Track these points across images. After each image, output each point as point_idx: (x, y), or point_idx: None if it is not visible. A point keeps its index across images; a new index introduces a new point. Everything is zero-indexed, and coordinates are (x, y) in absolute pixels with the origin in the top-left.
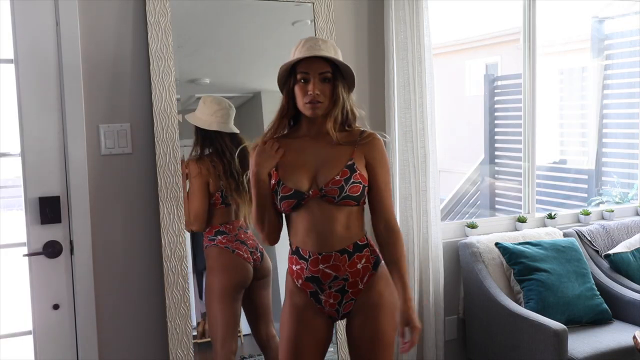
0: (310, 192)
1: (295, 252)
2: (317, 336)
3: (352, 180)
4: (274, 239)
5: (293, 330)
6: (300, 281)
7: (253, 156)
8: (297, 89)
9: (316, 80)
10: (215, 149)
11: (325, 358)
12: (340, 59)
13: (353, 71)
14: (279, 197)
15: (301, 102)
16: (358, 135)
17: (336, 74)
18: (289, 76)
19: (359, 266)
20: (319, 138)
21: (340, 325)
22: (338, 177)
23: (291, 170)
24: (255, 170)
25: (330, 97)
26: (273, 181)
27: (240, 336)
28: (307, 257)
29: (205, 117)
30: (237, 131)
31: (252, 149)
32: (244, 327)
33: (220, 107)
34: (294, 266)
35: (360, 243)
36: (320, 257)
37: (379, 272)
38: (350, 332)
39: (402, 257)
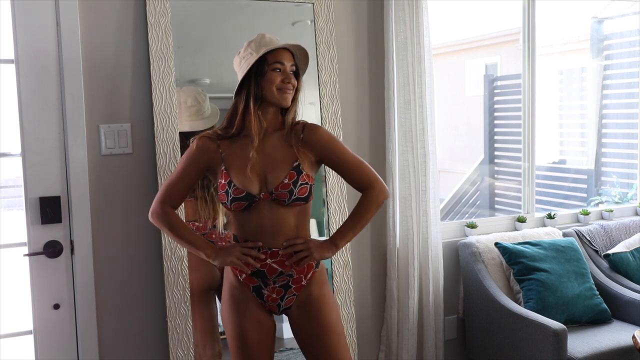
0: (262, 196)
1: None
2: (262, 327)
3: (299, 182)
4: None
5: (237, 325)
6: (243, 275)
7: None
8: (270, 77)
9: (288, 72)
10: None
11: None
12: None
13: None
14: (229, 198)
15: (273, 90)
16: (300, 131)
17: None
18: (252, 68)
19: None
20: (264, 138)
21: None
22: (287, 181)
23: (241, 171)
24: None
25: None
26: (223, 181)
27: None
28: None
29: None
30: (199, 129)
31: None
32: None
33: (194, 102)
34: None
35: None
36: (269, 252)
37: (320, 269)
38: (296, 328)
39: (364, 209)
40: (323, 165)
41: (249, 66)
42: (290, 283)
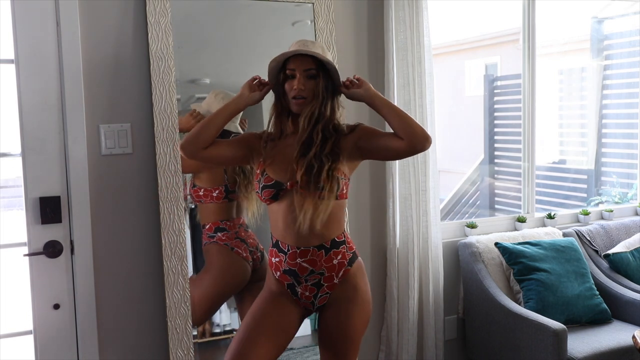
0: (288, 184)
1: (275, 245)
2: (281, 320)
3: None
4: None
5: (260, 305)
6: (278, 273)
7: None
8: (286, 85)
9: (301, 77)
10: None
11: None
12: (329, 58)
13: (337, 68)
14: (261, 186)
15: (288, 98)
16: (347, 130)
17: (321, 73)
18: (279, 74)
19: (335, 262)
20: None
21: None
22: None
23: (276, 162)
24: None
25: (313, 93)
26: (258, 170)
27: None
28: (286, 250)
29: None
30: (241, 131)
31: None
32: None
33: None
34: (273, 259)
35: (337, 240)
36: (298, 251)
37: (354, 267)
38: (323, 324)
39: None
40: None
41: (271, 75)
42: (321, 281)
